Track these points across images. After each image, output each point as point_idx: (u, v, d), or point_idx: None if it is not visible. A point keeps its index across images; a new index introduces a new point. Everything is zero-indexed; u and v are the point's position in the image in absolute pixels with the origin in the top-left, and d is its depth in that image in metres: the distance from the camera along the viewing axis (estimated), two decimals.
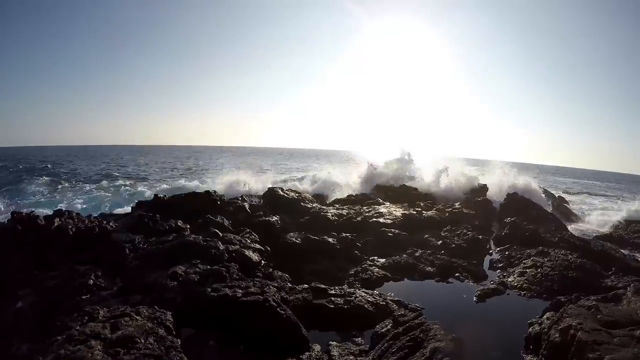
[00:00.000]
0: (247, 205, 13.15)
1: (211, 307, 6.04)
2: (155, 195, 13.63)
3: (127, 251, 8.46)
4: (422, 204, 15.71)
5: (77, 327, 4.63)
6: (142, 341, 4.56)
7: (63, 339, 4.34)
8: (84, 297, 6.57)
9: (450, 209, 14.93)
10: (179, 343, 4.96)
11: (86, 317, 5.00)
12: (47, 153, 71.17)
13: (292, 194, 15.42)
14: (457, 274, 9.48)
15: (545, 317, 6.23)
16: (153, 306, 5.59)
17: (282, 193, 15.07)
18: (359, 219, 12.85)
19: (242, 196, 14.46)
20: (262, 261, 8.86)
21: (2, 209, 15.27)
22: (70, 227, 8.70)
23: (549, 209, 17.37)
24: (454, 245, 11.19)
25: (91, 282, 6.94)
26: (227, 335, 5.70)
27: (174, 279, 6.87)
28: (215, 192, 13.78)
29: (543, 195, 21.42)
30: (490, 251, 11.83)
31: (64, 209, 10.00)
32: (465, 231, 12.39)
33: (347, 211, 13.61)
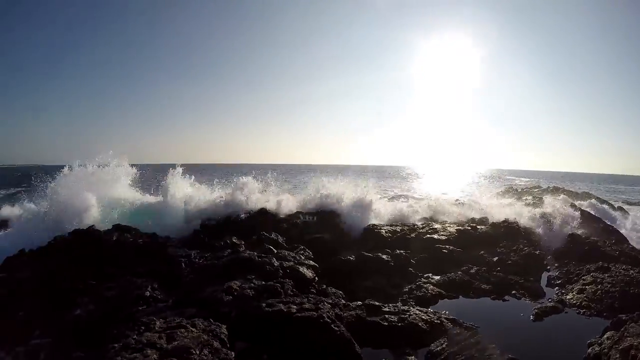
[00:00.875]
0: (300, 222, 13.20)
1: (265, 322, 5.93)
2: None
3: (183, 265, 8.61)
4: (476, 219, 15.05)
5: (134, 336, 4.68)
6: (197, 352, 4.52)
7: (120, 347, 4.38)
8: (140, 308, 6.69)
9: (506, 224, 14.21)
10: (233, 356, 4.89)
11: (142, 327, 5.04)
12: None
13: None
14: (513, 292, 8.96)
15: (605, 336, 5.84)
16: (208, 319, 5.58)
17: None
18: (412, 235, 12.46)
19: (296, 213, 14.51)
20: (316, 278, 8.70)
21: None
22: (129, 241, 8.99)
23: (608, 222, 16.14)
24: (510, 262, 10.57)
25: (148, 293, 7.08)
26: (281, 350, 5.59)
27: (229, 294, 6.85)
28: (269, 209, 13.91)
29: (603, 207, 20.06)
30: (548, 267, 11.05)
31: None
32: (521, 247, 11.68)
33: (400, 227, 13.31)
